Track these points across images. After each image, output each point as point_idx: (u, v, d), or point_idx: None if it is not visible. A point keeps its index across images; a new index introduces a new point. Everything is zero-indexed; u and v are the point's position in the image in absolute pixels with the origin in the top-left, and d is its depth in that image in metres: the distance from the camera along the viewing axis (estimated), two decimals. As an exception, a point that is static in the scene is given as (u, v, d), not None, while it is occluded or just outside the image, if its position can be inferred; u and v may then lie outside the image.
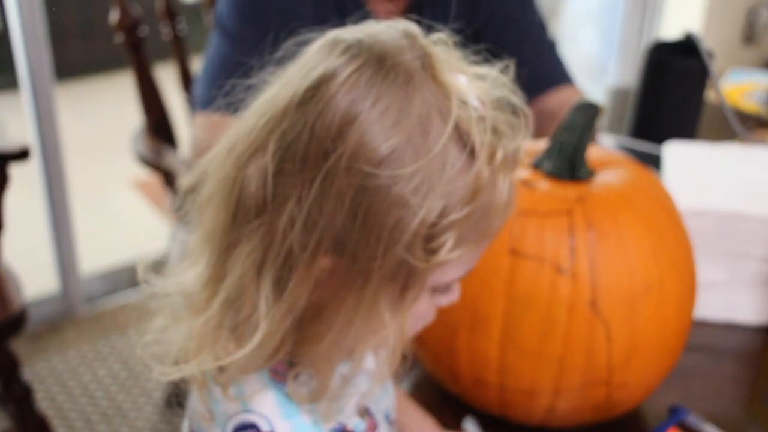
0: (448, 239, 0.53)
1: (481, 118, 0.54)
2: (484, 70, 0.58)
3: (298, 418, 0.59)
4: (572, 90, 1.36)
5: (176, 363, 0.59)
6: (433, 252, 0.53)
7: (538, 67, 1.34)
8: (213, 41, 1.31)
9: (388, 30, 0.55)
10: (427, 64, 0.54)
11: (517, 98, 0.58)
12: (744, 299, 1.06)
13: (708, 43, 1.45)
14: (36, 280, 2.27)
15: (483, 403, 0.87)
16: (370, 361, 0.63)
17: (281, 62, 0.57)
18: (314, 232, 0.52)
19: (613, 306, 0.78)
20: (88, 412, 2.06)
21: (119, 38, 1.65)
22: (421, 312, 0.59)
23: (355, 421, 0.65)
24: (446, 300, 0.62)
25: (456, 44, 0.58)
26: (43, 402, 2.06)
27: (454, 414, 0.88)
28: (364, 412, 0.67)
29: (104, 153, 3.31)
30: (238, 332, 0.57)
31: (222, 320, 0.57)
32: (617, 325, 0.78)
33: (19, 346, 1.84)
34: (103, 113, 3.71)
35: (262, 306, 0.55)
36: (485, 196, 0.54)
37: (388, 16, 1.22)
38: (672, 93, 1.43)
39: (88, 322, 2.35)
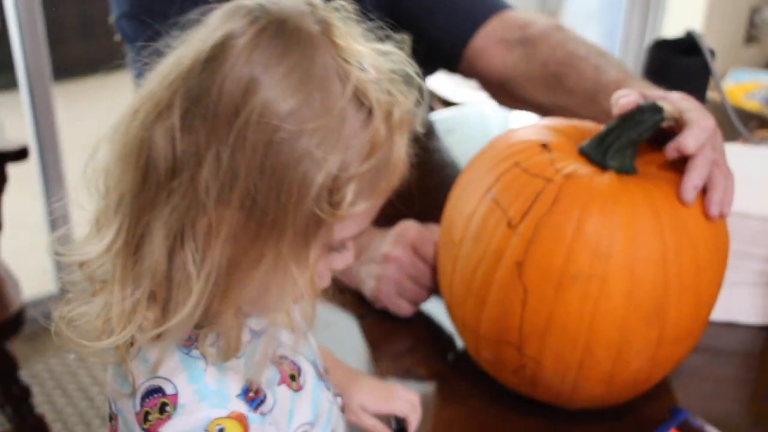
0: (349, 192, 0.57)
1: (378, 81, 0.59)
2: (379, 45, 0.62)
3: (202, 381, 0.60)
4: (502, 17, 1.28)
5: (98, 338, 0.60)
6: (336, 205, 0.57)
7: (456, 8, 1.29)
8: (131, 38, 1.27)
9: None
10: (327, 30, 0.58)
11: (412, 70, 0.62)
12: (746, 299, 1.05)
13: (710, 42, 1.44)
14: (34, 281, 2.26)
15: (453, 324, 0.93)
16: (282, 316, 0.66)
17: (184, 28, 0.59)
18: (234, 188, 0.55)
19: (537, 277, 0.78)
20: (87, 415, 2.06)
21: (118, 37, 1.64)
22: (319, 271, 0.62)
23: (266, 374, 0.65)
24: (341, 261, 0.65)
25: (356, 12, 0.62)
26: (41, 404, 2.06)
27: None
28: (281, 361, 0.68)
29: (104, 153, 3.30)
30: (164, 298, 0.58)
31: (144, 288, 0.58)
32: (535, 295, 0.79)
33: (17, 347, 1.84)
34: (102, 113, 3.71)
35: (191, 268, 0.56)
36: (383, 152, 0.59)
37: None
38: (674, 92, 1.42)
39: (87, 322, 2.34)
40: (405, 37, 0.63)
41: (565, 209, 0.79)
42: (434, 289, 1.01)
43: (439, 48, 1.32)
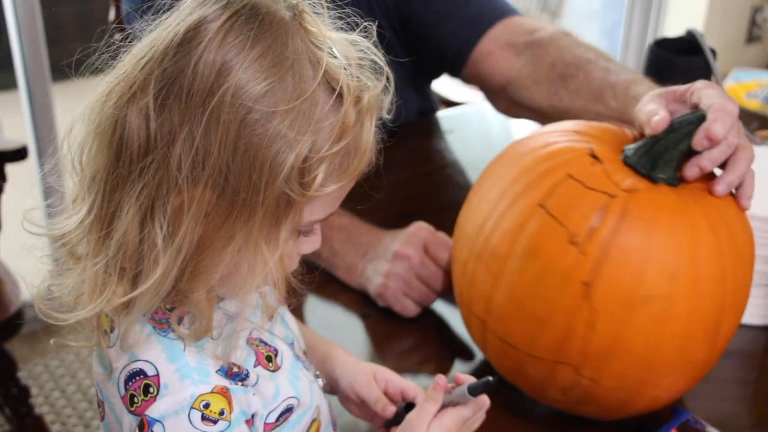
0: (319, 174, 0.59)
1: (348, 67, 0.61)
2: (345, 34, 0.63)
3: (182, 360, 0.62)
4: (509, 22, 1.30)
5: (69, 311, 0.63)
6: (306, 186, 0.59)
7: (464, 13, 1.30)
8: None
9: None
10: (298, 16, 0.60)
11: (379, 58, 0.64)
12: (748, 300, 1.05)
13: (712, 41, 1.44)
14: (34, 281, 2.26)
15: (471, 333, 0.89)
16: (254, 297, 0.68)
17: (157, 13, 0.61)
18: (206, 166, 0.56)
19: (607, 298, 0.76)
20: (87, 415, 2.05)
21: (117, 36, 1.64)
22: (288, 252, 0.64)
23: (241, 354, 0.66)
24: (309, 246, 0.67)
25: (328, 1, 0.64)
26: (40, 404, 2.05)
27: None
28: (256, 343, 0.69)
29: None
30: (134, 271, 0.60)
31: (114, 261, 0.60)
32: (604, 317, 0.76)
33: (16, 347, 1.83)
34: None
35: (159, 241, 0.58)
36: (353, 135, 0.61)
37: None
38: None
39: (86, 322, 2.34)
40: (370, 25, 0.64)
41: (632, 227, 0.76)
42: (442, 293, 1.00)
43: (446, 52, 1.32)
